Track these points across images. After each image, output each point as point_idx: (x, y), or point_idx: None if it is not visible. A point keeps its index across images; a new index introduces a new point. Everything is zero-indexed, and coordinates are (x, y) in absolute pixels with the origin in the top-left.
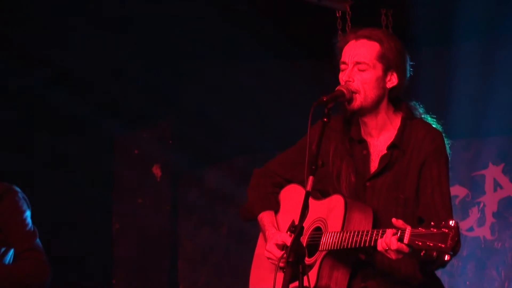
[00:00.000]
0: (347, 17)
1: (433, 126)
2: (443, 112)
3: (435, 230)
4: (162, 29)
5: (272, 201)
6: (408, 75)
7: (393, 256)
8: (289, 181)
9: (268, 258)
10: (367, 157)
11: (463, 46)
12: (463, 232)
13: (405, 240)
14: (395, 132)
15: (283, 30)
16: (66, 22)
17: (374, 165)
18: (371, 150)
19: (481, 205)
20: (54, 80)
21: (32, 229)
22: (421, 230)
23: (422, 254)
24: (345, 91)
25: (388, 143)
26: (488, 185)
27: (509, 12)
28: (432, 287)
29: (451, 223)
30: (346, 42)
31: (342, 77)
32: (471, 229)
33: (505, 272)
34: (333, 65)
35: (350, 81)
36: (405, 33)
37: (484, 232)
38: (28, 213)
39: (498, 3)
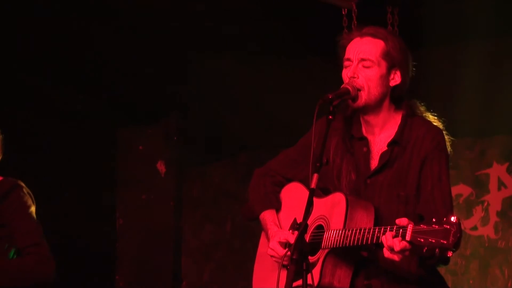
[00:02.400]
0: (353, 15)
1: (434, 123)
2: (448, 111)
3: (437, 226)
4: (168, 25)
5: (273, 200)
6: (410, 74)
7: (397, 257)
8: (290, 180)
9: (272, 256)
10: (367, 154)
11: (469, 45)
12: (467, 231)
13: (407, 237)
14: (396, 129)
15: (288, 27)
16: (70, 18)
17: (374, 162)
18: (372, 147)
19: (485, 204)
20: (60, 75)
21: (37, 224)
22: (422, 227)
23: (424, 250)
24: (350, 88)
25: (389, 140)
26: (492, 184)
27: None
28: (435, 285)
29: (453, 219)
30: (351, 40)
31: (346, 73)
32: (475, 228)
33: (509, 271)
34: (338, 63)
35: (354, 78)
36: (410, 31)
37: (488, 231)
38: (32, 209)
39: (507, 1)
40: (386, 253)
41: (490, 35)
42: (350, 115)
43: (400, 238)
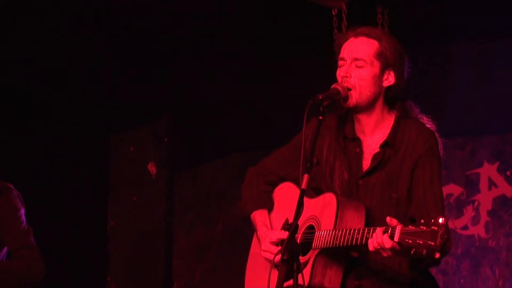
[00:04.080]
0: (343, 15)
1: (427, 126)
2: (438, 111)
3: (424, 228)
4: (158, 26)
5: (266, 199)
6: (405, 75)
7: (384, 254)
8: (283, 179)
9: (266, 259)
10: (360, 155)
11: (458, 45)
12: (457, 230)
13: (396, 238)
14: (389, 130)
15: (279, 28)
16: (58, 18)
17: (366, 163)
18: (364, 148)
19: (476, 203)
20: (49, 78)
21: (27, 227)
22: (411, 228)
23: (412, 252)
24: (340, 89)
25: (381, 141)
26: (483, 184)
27: (506, 12)
28: (426, 285)
29: (441, 221)
30: (345, 39)
31: (340, 73)
32: (465, 227)
33: (499, 270)
34: (329, 62)
35: (347, 77)
36: (401, 31)
37: (478, 231)
38: (22, 211)
39: (495, 2)
40: (371, 246)
41: (479, 35)
42: (344, 114)
43: (388, 237)
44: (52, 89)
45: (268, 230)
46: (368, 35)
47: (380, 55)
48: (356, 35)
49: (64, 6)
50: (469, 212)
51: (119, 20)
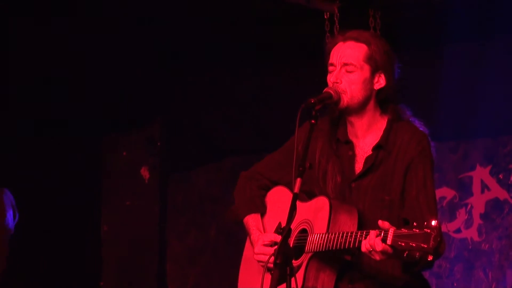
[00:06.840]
0: (335, 19)
1: (419, 129)
2: (430, 114)
3: (417, 230)
4: (152, 30)
5: (258, 204)
6: (396, 77)
7: (377, 257)
8: (276, 183)
9: (259, 261)
10: (352, 158)
11: (451, 48)
12: (450, 233)
13: (388, 241)
14: (381, 133)
15: (272, 32)
16: (57, 19)
17: (359, 166)
18: (357, 151)
19: (469, 206)
20: (43, 82)
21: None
22: (404, 231)
23: (405, 254)
24: (332, 93)
25: (374, 144)
26: (476, 187)
27: (497, 14)
28: None
29: (433, 223)
30: (334, 44)
31: (330, 78)
32: (458, 230)
33: (492, 273)
34: (322, 66)
35: (337, 82)
36: (393, 34)
37: (471, 234)
38: (8, 214)
39: (486, 4)
40: (364, 248)
41: (472, 38)
42: (336, 117)
43: (381, 240)
44: (46, 93)
45: (261, 234)
46: (356, 39)
47: (369, 59)
48: (344, 40)
49: (63, 7)
50: (462, 215)
51: (117, 23)
